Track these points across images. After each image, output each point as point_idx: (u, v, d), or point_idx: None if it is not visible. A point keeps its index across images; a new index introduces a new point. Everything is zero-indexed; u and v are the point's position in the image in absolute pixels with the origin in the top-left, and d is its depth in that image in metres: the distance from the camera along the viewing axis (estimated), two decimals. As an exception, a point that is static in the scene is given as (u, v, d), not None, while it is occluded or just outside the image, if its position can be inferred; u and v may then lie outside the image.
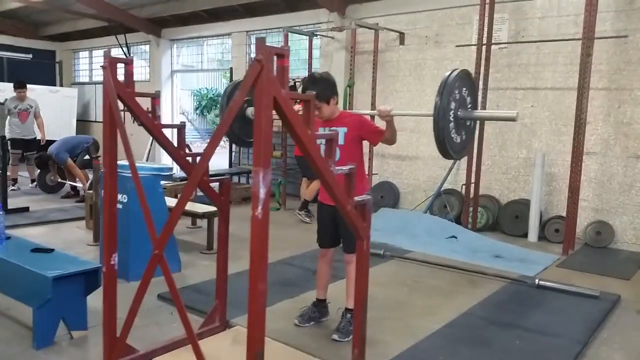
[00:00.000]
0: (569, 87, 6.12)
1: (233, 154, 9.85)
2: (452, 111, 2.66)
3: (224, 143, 12.04)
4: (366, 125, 3.26)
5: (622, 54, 5.82)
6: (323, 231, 3.50)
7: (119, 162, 2.72)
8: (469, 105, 2.81)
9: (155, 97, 2.70)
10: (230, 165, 9.77)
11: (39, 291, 3.07)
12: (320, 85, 3.13)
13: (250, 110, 3.27)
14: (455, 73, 2.69)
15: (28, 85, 8.70)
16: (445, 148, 2.66)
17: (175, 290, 2.39)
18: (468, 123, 2.85)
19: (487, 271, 4.78)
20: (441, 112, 2.58)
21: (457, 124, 2.70)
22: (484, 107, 6.36)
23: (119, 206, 4.30)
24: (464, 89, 2.76)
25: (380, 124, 3.23)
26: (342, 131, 3.18)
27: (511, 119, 2.73)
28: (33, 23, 13.18)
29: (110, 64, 2.40)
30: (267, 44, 1.84)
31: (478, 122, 2.97)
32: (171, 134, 3.02)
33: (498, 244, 5.87)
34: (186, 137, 3.12)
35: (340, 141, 3.17)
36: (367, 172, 7.29)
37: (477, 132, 6.37)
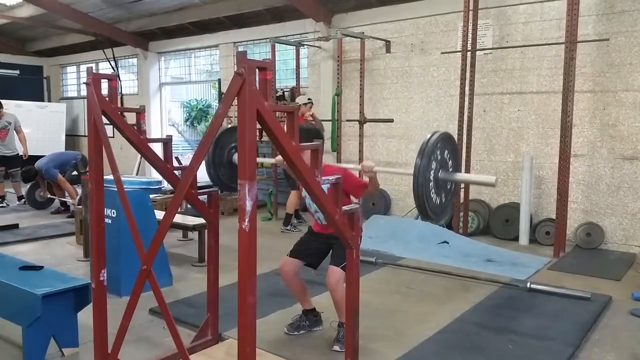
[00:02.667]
0: (554, 90, 6.18)
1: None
2: (433, 171, 2.63)
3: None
4: (349, 180, 3.22)
5: (605, 56, 5.89)
6: (305, 250, 3.50)
7: (107, 177, 2.71)
8: (451, 168, 2.78)
9: (140, 112, 2.70)
10: (221, 176, 9.73)
11: (28, 309, 3.04)
12: (308, 134, 3.16)
13: (236, 157, 3.27)
14: (436, 135, 2.67)
15: (15, 102, 8.63)
16: (424, 206, 2.62)
17: (164, 305, 2.37)
18: (448, 186, 2.81)
19: (479, 276, 4.79)
20: (421, 172, 2.56)
21: (437, 184, 2.67)
22: (470, 113, 6.41)
23: (109, 221, 4.28)
24: (446, 151, 2.74)
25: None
26: (324, 187, 3.23)
27: (490, 184, 2.68)
28: (20, 39, 13.15)
29: (93, 80, 2.40)
30: (254, 54, 1.86)
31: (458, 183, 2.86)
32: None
33: (489, 248, 5.89)
34: (177, 148, 3.12)
35: None
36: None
37: (464, 137, 6.42)
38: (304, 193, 3.34)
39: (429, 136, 2.63)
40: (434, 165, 2.61)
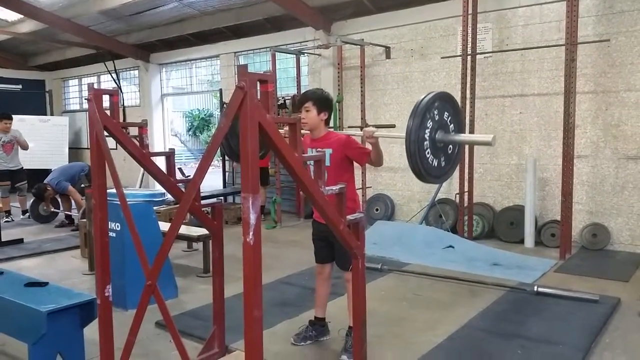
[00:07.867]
0: (555, 92, 6.17)
1: (227, 173, 9.84)
2: (428, 130, 2.52)
3: (218, 162, 12.05)
4: (352, 145, 3.24)
5: (606, 57, 5.88)
6: (318, 248, 3.50)
7: (111, 190, 2.71)
8: (452, 131, 2.65)
9: (142, 126, 2.70)
10: (224, 185, 9.75)
11: (33, 326, 3.03)
12: (316, 95, 3.20)
13: None
14: (432, 94, 2.56)
15: (19, 116, 8.65)
16: (418, 167, 2.51)
17: (170, 320, 2.36)
18: (450, 151, 2.73)
19: (486, 280, 4.76)
20: (413, 132, 2.48)
21: (433, 145, 2.59)
22: (472, 116, 6.40)
23: (113, 234, 4.27)
24: (446, 112, 2.64)
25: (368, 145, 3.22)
26: (327, 152, 3.15)
27: (487, 144, 2.64)
28: (21, 54, 13.23)
29: (95, 96, 2.40)
30: (254, 63, 1.85)
31: (460, 147, 2.76)
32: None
33: (495, 251, 5.86)
34: (180, 158, 3.12)
35: (327, 163, 3.13)
36: (360, 186, 7.31)
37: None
38: None
39: (423, 95, 2.55)
40: (429, 124, 2.51)
